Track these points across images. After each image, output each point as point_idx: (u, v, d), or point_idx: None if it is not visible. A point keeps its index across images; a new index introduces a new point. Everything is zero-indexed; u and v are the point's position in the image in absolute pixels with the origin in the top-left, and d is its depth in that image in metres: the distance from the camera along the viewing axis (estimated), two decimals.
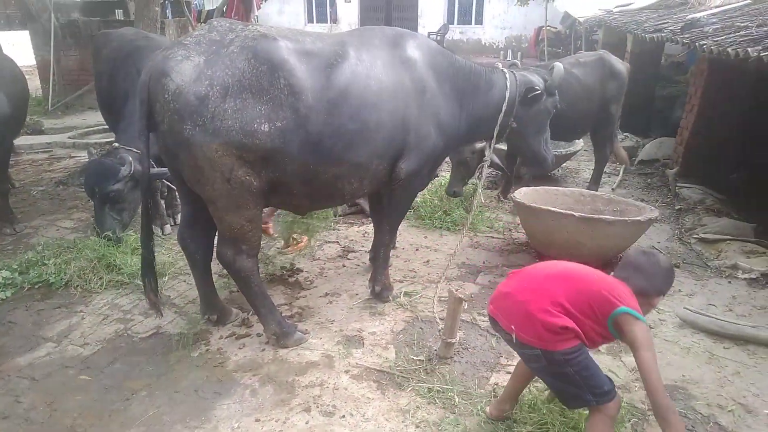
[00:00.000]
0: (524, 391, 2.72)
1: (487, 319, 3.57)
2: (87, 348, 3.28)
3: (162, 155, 3.03)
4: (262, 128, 2.70)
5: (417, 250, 4.73)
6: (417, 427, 2.65)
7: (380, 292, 3.79)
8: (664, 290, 2.30)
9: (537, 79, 3.84)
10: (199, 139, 2.63)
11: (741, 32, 4.72)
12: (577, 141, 6.52)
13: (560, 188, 5.02)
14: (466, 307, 3.56)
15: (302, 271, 4.30)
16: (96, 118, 8.94)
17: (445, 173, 5.90)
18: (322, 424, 2.68)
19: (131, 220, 4.69)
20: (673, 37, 5.77)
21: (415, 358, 3.17)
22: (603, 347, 3.17)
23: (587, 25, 11.22)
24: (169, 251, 4.52)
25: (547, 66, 4.34)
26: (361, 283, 4.09)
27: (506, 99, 3.65)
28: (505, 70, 3.82)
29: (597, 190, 5.63)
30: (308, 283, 4.11)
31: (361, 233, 5.07)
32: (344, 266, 4.40)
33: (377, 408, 2.78)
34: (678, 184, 6.10)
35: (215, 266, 3.43)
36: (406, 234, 5.01)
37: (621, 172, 6.95)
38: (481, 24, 21.90)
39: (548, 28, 15.38)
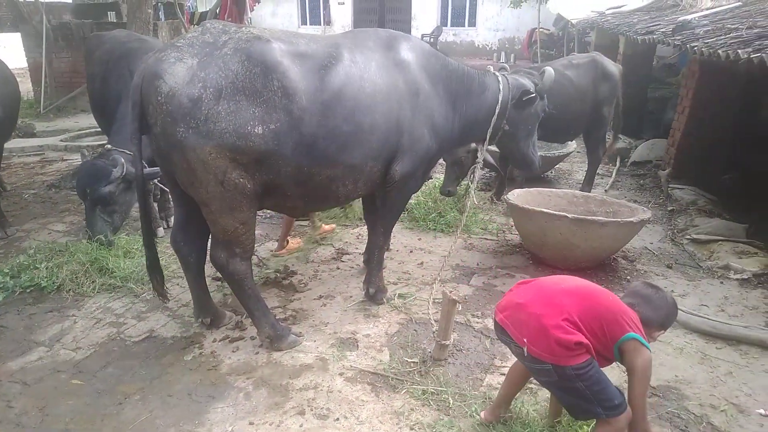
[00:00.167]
0: (518, 405, 2.72)
1: (480, 321, 3.62)
2: (79, 352, 3.26)
3: (155, 158, 3.01)
4: (255, 130, 2.69)
5: (411, 252, 4.74)
6: (411, 429, 2.65)
7: (374, 294, 3.79)
8: (667, 325, 2.34)
9: (528, 83, 3.88)
10: (192, 142, 2.62)
11: (731, 34, 4.75)
12: (570, 143, 6.56)
13: (553, 190, 5.05)
14: (460, 308, 3.57)
15: (296, 273, 4.29)
16: (88, 120, 8.91)
17: (438, 175, 5.91)
18: (316, 427, 2.67)
19: (122, 223, 4.67)
20: (664, 39, 5.82)
21: (409, 360, 3.17)
22: None
23: (580, 27, 11.28)
24: (162, 254, 4.48)
25: (539, 68, 4.36)
26: (355, 285, 4.08)
27: (499, 102, 3.67)
28: (497, 73, 3.84)
29: (590, 192, 5.65)
30: (302, 285, 4.10)
31: (355, 235, 5.07)
32: (338, 269, 4.40)
33: (371, 410, 2.78)
34: (670, 186, 6.15)
35: (208, 269, 3.42)
36: (400, 236, 5.02)
37: (614, 174, 6.99)
38: (475, 26, 21.98)
39: (541, 30, 15.45)
